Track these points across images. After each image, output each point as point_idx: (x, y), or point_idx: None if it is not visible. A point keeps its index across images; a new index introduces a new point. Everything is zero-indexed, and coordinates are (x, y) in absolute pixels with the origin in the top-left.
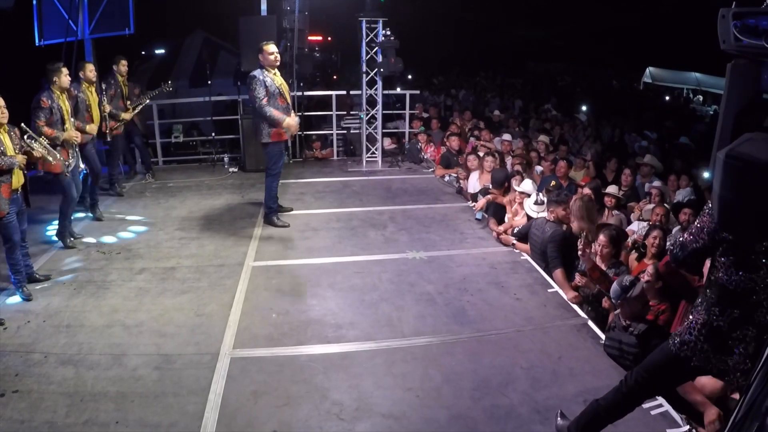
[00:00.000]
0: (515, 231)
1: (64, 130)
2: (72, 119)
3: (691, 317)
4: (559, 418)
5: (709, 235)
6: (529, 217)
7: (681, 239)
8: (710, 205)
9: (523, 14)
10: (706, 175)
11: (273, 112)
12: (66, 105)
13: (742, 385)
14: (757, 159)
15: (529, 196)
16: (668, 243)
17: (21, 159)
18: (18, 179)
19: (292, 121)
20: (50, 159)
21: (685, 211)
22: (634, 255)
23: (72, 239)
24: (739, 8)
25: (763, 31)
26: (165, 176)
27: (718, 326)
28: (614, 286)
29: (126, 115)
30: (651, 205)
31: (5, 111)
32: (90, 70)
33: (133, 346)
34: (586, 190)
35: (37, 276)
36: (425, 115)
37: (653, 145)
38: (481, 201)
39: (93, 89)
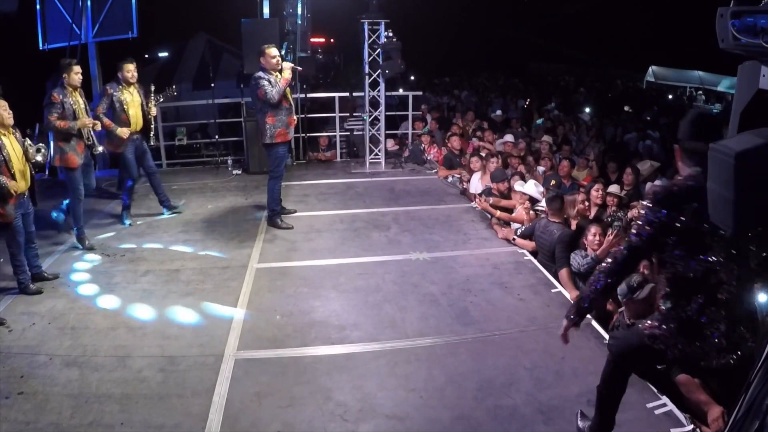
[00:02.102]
0: (519, 232)
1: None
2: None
3: (658, 313)
4: (579, 420)
5: (656, 227)
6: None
7: (627, 239)
8: (643, 203)
9: (524, 14)
10: None
11: (277, 86)
12: (80, 102)
13: (722, 366)
14: (729, 149)
15: (531, 197)
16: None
17: (13, 185)
18: (26, 183)
19: (287, 65)
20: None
21: None
22: None
23: (89, 241)
24: (737, 7)
25: (761, 30)
26: (169, 179)
27: (687, 317)
28: (622, 285)
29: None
30: None
31: (10, 111)
32: (128, 71)
33: (138, 347)
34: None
35: (46, 275)
36: (429, 117)
37: (657, 144)
38: (485, 204)
39: (133, 90)
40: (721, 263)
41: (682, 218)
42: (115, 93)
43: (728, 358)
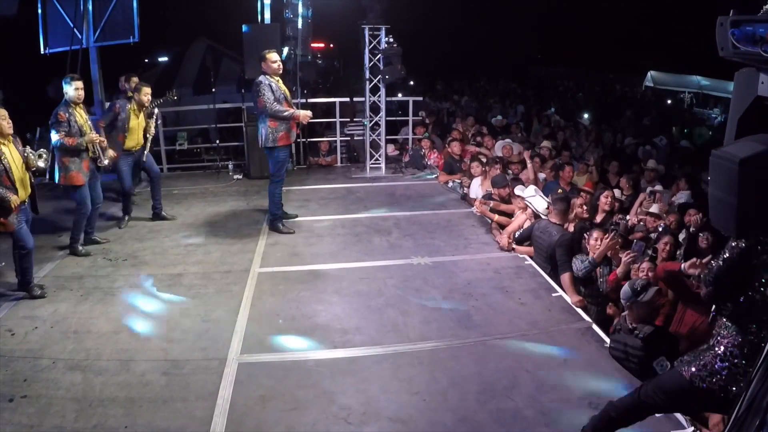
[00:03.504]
0: (517, 234)
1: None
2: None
3: (712, 348)
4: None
5: (738, 255)
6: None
7: (711, 266)
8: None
9: (524, 18)
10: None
11: (288, 110)
12: (83, 117)
13: None
14: (734, 155)
15: (531, 201)
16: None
17: (14, 199)
18: (26, 191)
19: (306, 111)
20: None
21: (691, 212)
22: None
23: (83, 247)
24: (736, 16)
25: (759, 39)
26: (170, 183)
27: (759, 342)
28: (625, 287)
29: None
30: (656, 205)
31: (10, 121)
32: (145, 94)
33: (141, 351)
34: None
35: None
36: (428, 121)
37: (657, 150)
38: (483, 208)
39: (142, 114)
40: None
41: None
42: (121, 113)
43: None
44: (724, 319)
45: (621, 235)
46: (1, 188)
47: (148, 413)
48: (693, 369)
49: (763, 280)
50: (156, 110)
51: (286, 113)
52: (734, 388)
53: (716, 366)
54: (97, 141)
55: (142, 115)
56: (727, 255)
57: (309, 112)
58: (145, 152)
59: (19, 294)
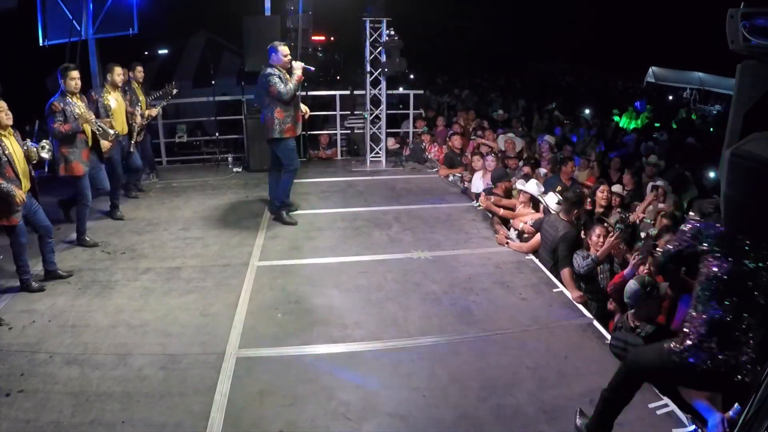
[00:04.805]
0: (529, 224)
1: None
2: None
3: (686, 327)
4: (578, 417)
5: (692, 234)
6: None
7: (666, 246)
8: (692, 214)
9: (526, 15)
10: (711, 174)
11: (290, 85)
12: (81, 107)
13: (754, 379)
14: (761, 156)
15: (544, 199)
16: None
17: (19, 194)
18: (26, 185)
19: (297, 64)
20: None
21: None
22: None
23: (89, 238)
24: (747, 8)
25: None
26: (169, 176)
27: (720, 318)
28: (632, 285)
29: (143, 115)
30: (661, 205)
31: (9, 113)
32: (117, 74)
33: (139, 345)
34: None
35: (60, 272)
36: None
37: (659, 146)
38: (488, 203)
39: (119, 94)
40: (759, 269)
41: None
42: (99, 98)
43: (757, 370)
44: (693, 301)
45: (625, 229)
46: (6, 182)
47: (145, 408)
48: (671, 344)
49: (714, 266)
50: (156, 104)
51: (290, 84)
52: (704, 362)
53: (687, 342)
54: (93, 120)
55: (121, 98)
56: (679, 240)
57: (300, 65)
58: (132, 142)
59: (16, 287)
